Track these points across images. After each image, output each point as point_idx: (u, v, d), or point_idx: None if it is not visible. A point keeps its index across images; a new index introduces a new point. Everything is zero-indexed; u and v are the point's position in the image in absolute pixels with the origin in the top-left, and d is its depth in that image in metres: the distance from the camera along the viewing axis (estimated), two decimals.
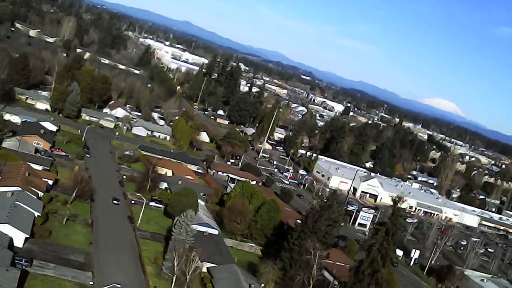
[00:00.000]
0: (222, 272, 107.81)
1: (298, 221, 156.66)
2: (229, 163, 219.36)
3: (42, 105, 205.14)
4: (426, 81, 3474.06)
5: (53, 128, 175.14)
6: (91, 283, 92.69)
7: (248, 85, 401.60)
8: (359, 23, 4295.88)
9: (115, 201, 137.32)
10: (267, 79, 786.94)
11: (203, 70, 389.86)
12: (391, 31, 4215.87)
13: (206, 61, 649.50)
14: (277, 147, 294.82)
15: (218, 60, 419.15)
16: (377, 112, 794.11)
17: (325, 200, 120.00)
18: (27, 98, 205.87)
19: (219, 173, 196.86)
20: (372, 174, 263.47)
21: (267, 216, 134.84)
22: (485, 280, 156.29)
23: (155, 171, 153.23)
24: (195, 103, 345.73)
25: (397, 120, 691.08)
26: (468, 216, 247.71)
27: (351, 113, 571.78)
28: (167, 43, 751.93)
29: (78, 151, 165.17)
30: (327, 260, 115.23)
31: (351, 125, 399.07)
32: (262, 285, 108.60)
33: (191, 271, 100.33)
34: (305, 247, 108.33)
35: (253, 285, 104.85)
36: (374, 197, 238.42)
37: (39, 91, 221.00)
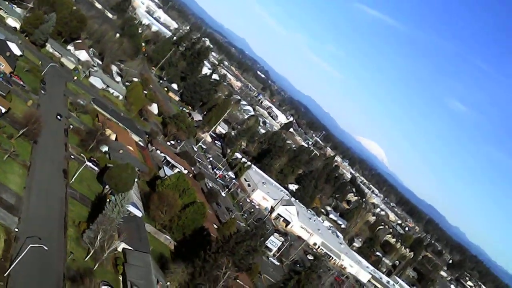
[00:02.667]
0: (136, 259, 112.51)
1: (214, 226, 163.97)
2: (169, 143, 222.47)
3: (13, 22, 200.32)
4: (367, 121, 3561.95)
5: (17, 51, 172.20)
6: (16, 229, 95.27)
7: (210, 70, 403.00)
8: (329, 43, 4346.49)
9: (58, 117, 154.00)
10: (226, 63, 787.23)
11: (174, 38, 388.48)
12: (354, 62, 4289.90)
13: (176, 26, 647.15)
14: (216, 141, 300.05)
15: (194, 36, 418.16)
16: (314, 135, 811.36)
17: (253, 228, 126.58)
18: (0, 9, 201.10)
19: (158, 151, 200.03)
20: (293, 198, 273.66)
21: (192, 216, 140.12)
22: None
23: (103, 133, 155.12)
24: (153, 67, 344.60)
25: (329, 149, 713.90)
26: (362, 271, 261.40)
27: (291, 129, 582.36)
28: None
29: (35, 84, 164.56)
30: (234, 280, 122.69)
31: (287, 142, 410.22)
32: (168, 283, 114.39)
33: (110, 250, 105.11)
34: (219, 264, 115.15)
35: (161, 282, 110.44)
36: (287, 222, 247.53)
37: (13, 5, 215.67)
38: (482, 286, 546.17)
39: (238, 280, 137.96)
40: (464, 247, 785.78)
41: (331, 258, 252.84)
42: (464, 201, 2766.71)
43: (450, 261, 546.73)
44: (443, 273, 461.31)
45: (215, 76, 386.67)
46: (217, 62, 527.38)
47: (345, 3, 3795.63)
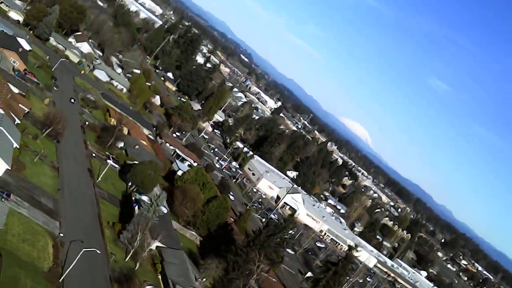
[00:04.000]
0: (172, 257, 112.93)
1: (231, 219, 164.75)
2: (174, 135, 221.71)
3: (15, 15, 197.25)
4: (349, 101, 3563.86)
5: (27, 47, 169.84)
6: (61, 234, 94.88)
7: (204, 59, 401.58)
8: (309, 24, 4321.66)
9: (72, 100, 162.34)
10: (210, 47, 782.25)
11: (166, 26, 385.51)
12: (335, 43, 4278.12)
13: (160, 11, 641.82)
14: (215, 130, 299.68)
15: (185, 23, 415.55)
16: (301, 118, 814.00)
17: (282, 221, 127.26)
18: (1, 2, 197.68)
19: (167, 144, 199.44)
20: (295, 186, 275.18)
21: (216, 211, 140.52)
22: None
23: (120, 130, 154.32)
24: (148, 56, 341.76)
25: (317, 133, 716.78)
26: (368, 255, 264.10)
27: (281, 114, 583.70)
28: None
29: (48, 81, 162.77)
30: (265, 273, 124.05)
31: (280, 127, 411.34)
32: (204, 279, 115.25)
33: (148, 248, 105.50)
34: (251, 257, 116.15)
35: (199, 278, 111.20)
36: (293, 210, 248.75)
37: None
38: (476, 264, 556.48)
39: (265, 274, 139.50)
40: (452, 226, 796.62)
41: (337, 244, 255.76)
42: (448, 179, 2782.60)
43: (443, 241, 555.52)
44: (439, 254, 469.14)
45: (209, 65, 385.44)
46: (206, 49, 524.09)
47: None
